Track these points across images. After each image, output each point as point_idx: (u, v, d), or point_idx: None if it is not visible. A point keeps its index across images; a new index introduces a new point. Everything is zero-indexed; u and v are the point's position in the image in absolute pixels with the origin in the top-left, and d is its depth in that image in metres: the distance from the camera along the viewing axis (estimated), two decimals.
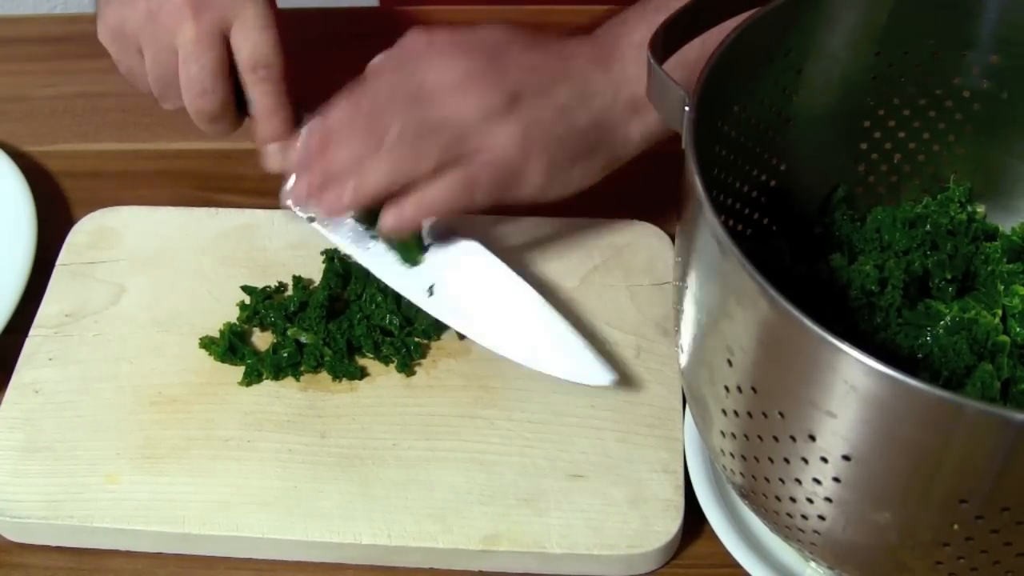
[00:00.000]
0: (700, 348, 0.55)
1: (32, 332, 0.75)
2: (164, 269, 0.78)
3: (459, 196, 0.68)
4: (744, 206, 0.64)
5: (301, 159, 0.71)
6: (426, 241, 0.73)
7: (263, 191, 0.79)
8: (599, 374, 0.70)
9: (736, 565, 0.64)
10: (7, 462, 0.69)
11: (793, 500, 0.53)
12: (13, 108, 0.92)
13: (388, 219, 0.69)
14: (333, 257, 0.76)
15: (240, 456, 0.68)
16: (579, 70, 0.70)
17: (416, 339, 0.73)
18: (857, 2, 0.61)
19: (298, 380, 0.72)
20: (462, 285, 0.72)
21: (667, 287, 0.76)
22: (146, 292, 0.77)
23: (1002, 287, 0.65)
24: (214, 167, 0.86)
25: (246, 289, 0.76)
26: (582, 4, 0.96)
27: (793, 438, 0.50)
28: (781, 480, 0.53)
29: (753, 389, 0.51)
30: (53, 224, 0.81)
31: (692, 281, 0.54)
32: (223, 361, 0.73)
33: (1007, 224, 0.68)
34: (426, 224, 0.72)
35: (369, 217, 0.72)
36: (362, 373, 0.72)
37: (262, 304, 0.75)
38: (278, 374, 0.72)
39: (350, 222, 0.74)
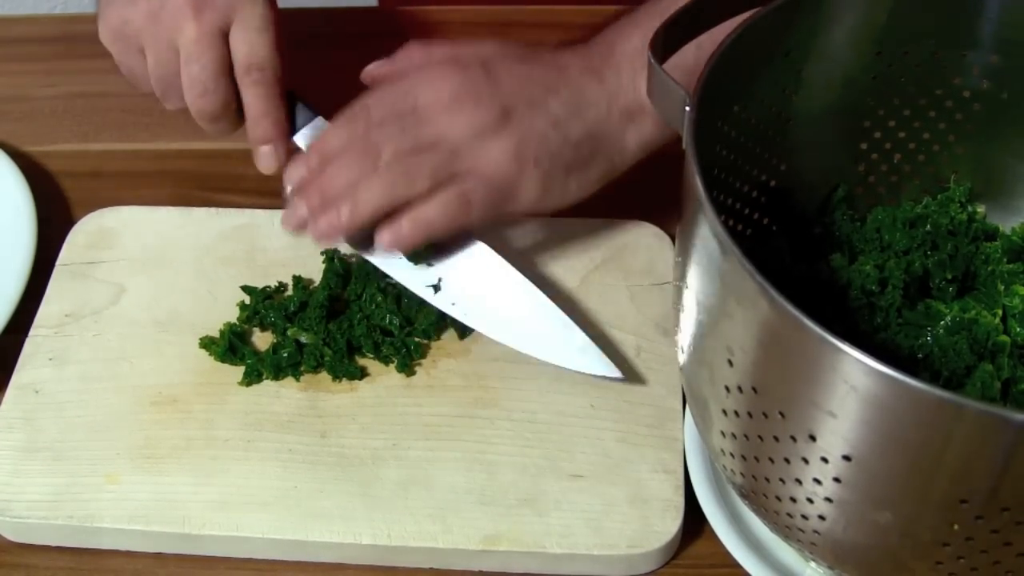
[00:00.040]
0: (700, 348, 0.55)
1: (32, 332, 0.75)
2: (164, 269, 0.78)
3: (455, 213, 0.69)
4: (744, 206, 0.64)
5: (298, 183, 0.71)
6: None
7: (263, 191, 0.79)
8: (606, 367, 0.70)
9: (736, 565, 0.64)
10: (7, 462, 0.69)
11: (793, 500, 0.53)
12: (13, 108, 0.92)
13: (385, 238, 0.69)
14: (333, 257, 0.76)
15: (240, 456, 0.68)
16: (572, 81, 0.70)
17: (416, 339, 0.73)
18: (857, 2, 0.61)
19: (298, 380, 0.72)
20: (467, 281, 0.73)
21: (667, 287, 0.76)
22: (146, 292, 0.77)
23: (1002, 287, 0.65)
24: (214, 167, 0.86)
25: (246, 289, 0.76)
26: (582, 4, 0.97)
27: (793, 438, 0.50)
28: (781, 480, 0.53)
29: (753, 389, 0.51)
30: (53, 224, 0.81)
31: (692, 281, 0.54)
32: (223, 361, 0.73)
33: (1007, 224, 0.68)
34: None
35: None
36: (362, 373, 0.72)
37: (262, 304, 0.75)
38: (278, 374, 0.72)
39: None
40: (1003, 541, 0.48)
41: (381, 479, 0.67)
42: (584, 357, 0.71)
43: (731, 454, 0.56)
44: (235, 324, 0.74)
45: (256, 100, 0.72)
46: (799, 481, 0.52)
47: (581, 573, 0.66)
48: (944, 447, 0.45)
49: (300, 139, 0.74)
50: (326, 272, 0.75)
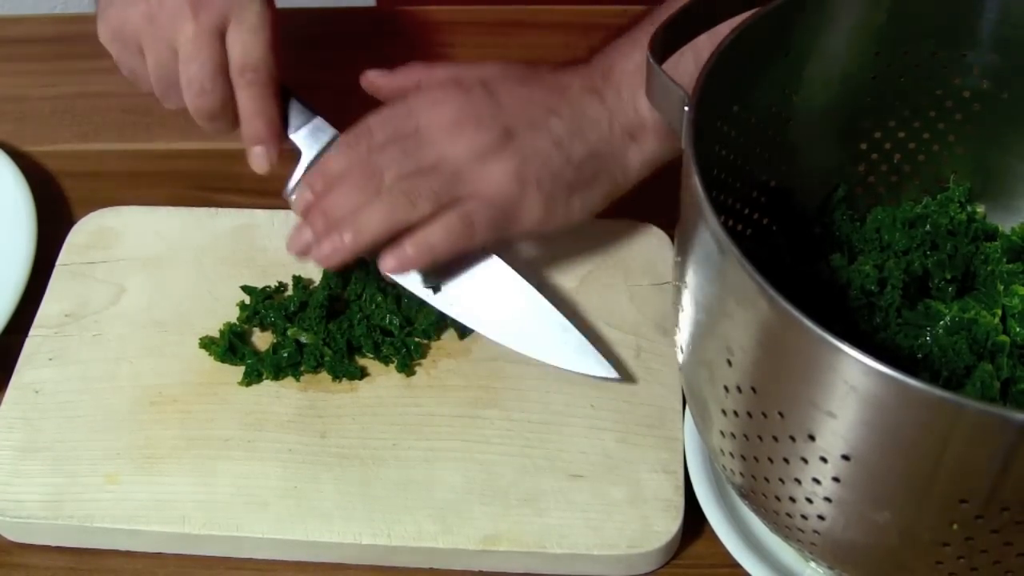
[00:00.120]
0: (700, 348, 0.55)
1: (32, 332, 0.75)
2: (164, 269, 0.78)
3: (458, 236, 0.68)
4: (744, 206, 0.64)
5: (304, 206, 0.71)
6: None
7: (263, 191, 0.79)
8: (602, 367, 0.70)
9: (736, 565, 0.64)
10: (7, 462, 0.69)
11: (793, 500, 0.53)
12: (13, 108, 0.92)
13: (388, 262, 0.69)
14: None
15: (240, 456, 0.68)
16: (573, 101, 0.71)
17: (416, 339, 0.73)
18: (857, 2, 0.61)
19: (298, 380, 0.72)
20: (466, 281, 0.73)
21: (667, 287, 0.76)
22: (146, 292, 0.77)
23: (1002, 287, 0.65)
24: (214, 167, 0.86)
25: (246, 289, 0.76)
26: (582, 4, 0.97)
27: (793, 438, 0.50)
28: (781, 480, 0.53)
29: (753, 389, 0.51)
30: (53, 224, 0.81)
31: (692, 281, 0.54)
32: (223, 361, 0.73)
33: (1007, 224, 0.68)
34: None
35: None
36: (362, 373, 0.72)
37: (262, 304, 0.75)
38: (278, 374, 0.72)
39: None
40: (1003, 541, 0.48)
41: (381, 479, 0.67)
42: (581, 357, 0.71)
43: (731, 454, 0.56)
44: (235, 324, 0.74)
45: (250, 100, 0.72)
46: (798, 481, 0.52)
47: (581, 573, 0.66)
48: (944, 447, 0.45)
49: (298, 138, 0.74)
50: (326, 272, 0.75)
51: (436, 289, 0.72)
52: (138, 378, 0.72)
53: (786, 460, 0.51)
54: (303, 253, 0.71)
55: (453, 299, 0.72)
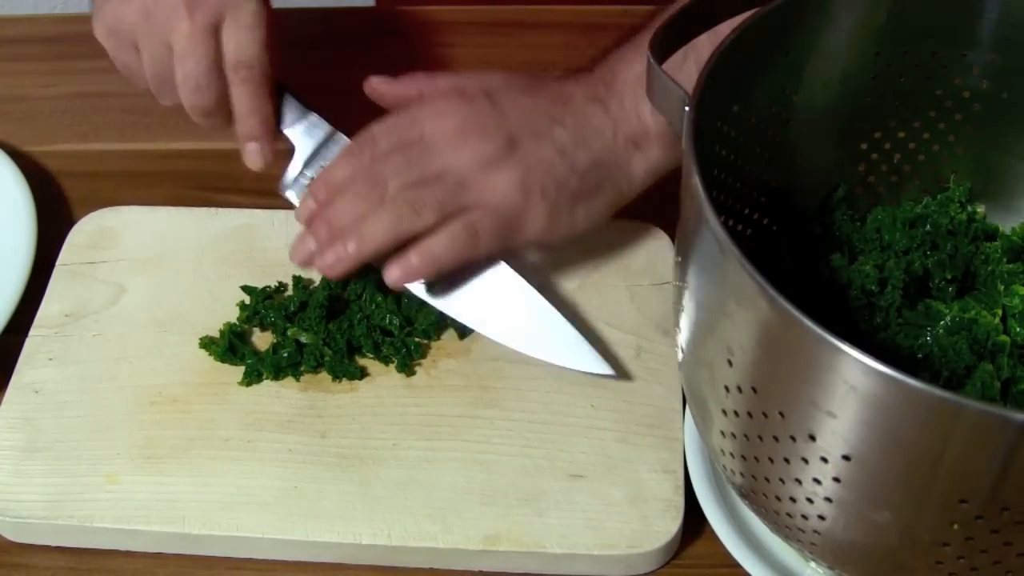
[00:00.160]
0: (700, 348, 0.55)
1: (32, 332, 0.75)
2: (164, 269, 0.78)
3: (463, 245, 0.68)
4: (744, 206, 0.64)
5: (308, 215, 0.71)
6: None
7: (263, 191, 0.79)
8: (599, 364, 0.70)
9: (736, 565, 0.64)
10: (7, 462, 0.69)
11: (793, 500, 0.53)
12: (13, 108, 0.92)
13: (393, 272, 0.69)
14: None
15: (240, 456, 0.68)
16: (577, 110, 0.71)
17: (416, 339, 0.73)
18: (857, 2, 0.61)
19: (298, 380, 0.72)
20: (463, 279, 0.73)
21: (667, 287, 0.76)
22: (146, 292, 0.77)
23: (1002, 287, 0.65)
24: (214, 167, 0.86)
25: (246, 289, 0.76)
26: (582, 4, 0.97)
27: (793, 438, 0.50)
28: (781, 480, 0.53)
29: (753, 389, 0.51)
30: (53, 224, 0.81)
31: (692, 281, 0.54)
32: (223, 361, 0.73)
33: (1007, 224, 0.68)
34: None
35: None
36: (362, 373, 0.72)
37: (262, 304, 0.75)
38: (278, 374, 0.72)
39: None
40: (1003, 541, 0.48)
41: (381, 479, 0.67)
42: (577, 354, 0.71)
43: (731, 454, 0.56)
44: (235, 324, 0.74)
45: (244, 97, 0.72)
46: (799, 481, 0.52)
47: (581, 573, 0.66)
48: (944, 447, 0.45)
49: (293, 134, 0.74)
50: None
51: (432, 287, 0.72)
52: (138, 378, 0.72)
53: (786, 460, 0.51)
54: (306, 263, 0.71)
55: (451, 297, 0.72)
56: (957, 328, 0.62)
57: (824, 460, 0.49)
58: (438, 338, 0.74)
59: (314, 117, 0.75)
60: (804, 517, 0.53)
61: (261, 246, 0.79)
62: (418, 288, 0.72)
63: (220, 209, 0.81)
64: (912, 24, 0.62)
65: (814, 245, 0.67)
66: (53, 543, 0.67)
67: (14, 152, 0.85)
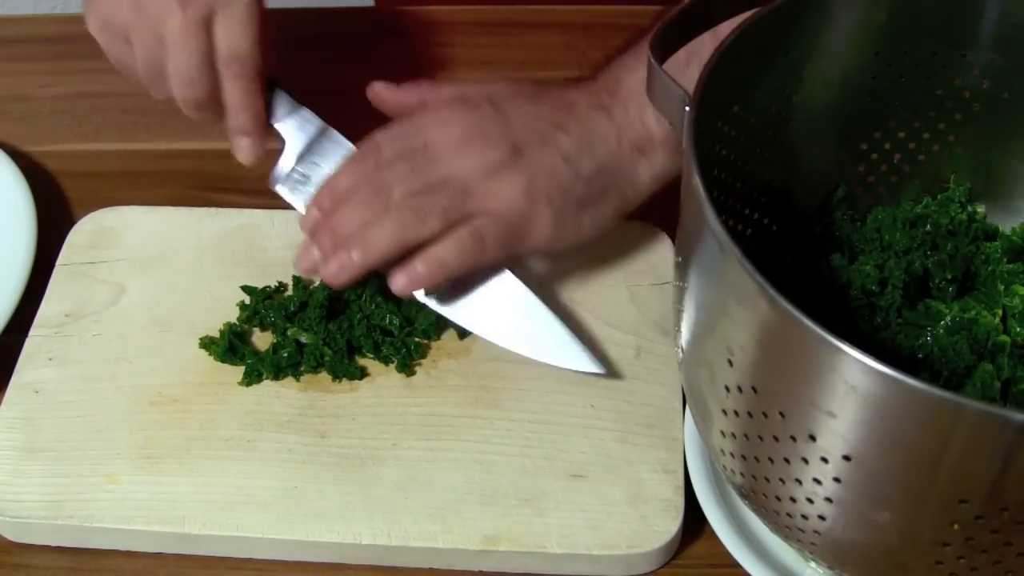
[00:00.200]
0: (700, 348, 0.55)
1: (32, 332, 0.75)
2: (164, 269, 0.78)
3: (469, 252, 0.68)
4: (744, 206, 0.64)
5: (312, 225, 0.71)
6: None
7: (263, 191, 0.79)
8: (587, 362, 0.70)
9: (736, 565, 0.64)
10: (7, 462, 0.69)
11: (793, 500, 0.53)
12: (13, 108, 0.92)
13: (400, 280, 0.69)
14: None
15: (240, 456, 0.68)
16: (581, 117, 0.71)
17: (416, 339, 0.73)
18: (857, 2, 0.61)
19: (298, 380, 0.72)
20: (456, 277, 0.72)
21: (667, 287, 0.76)
22: (146, 292, 0.77)
23: (1002, 287, 0.65)
24: (214, 167, 0.86)
25: (246, 289, 0.76)
26: (582, 4, 0.97)
27: (793, 438, 0.50)
28: (781, 480, 0.53)
29: (753, 389, 0.51)
30: (53, 224, 0.81)
31: (692, 281, 0.54)
32: (223, 361, 0.73)
33: (1007, 224, 0.68)
34: None
35: None
36: (362, 373, 0.72)
37: (262, 304, 0.75)
38: (278, 374, 0.72)
39: None
40: (1003, 541, 0.48)
41: (381, 479, 0.67)
42: (566, 352, 0.71)
43: (731, 454, 0.56)
44: (235, 324, 0.74)
45: (236, 92, 0.72)
46: (799, 481, 0.52)
47: (581, 573, 0.66)
48: (944, 447, 0.45)
49: (283, 128, 0.74)
50: None
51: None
52: (138, 378, 0.72)
53: (787, 460, 0.51)
54: (311, 272, 0.70)
55: (442, 294, 0.72)
56: (957, 328, 0.62)
57: (824, 460, 0.49)
58: (438, 338, 0.74)
59: (306, 112, 0.75)
60: (804, 517, 0.53)
61: (261, 246, 0.79)
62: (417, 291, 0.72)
63: (220, 209, 0.81)
64: (912, 24, 0.62)
65: (814, 245, 0.67)
66: (53, 543, 0.67)
67: (14, 152, 0.85)
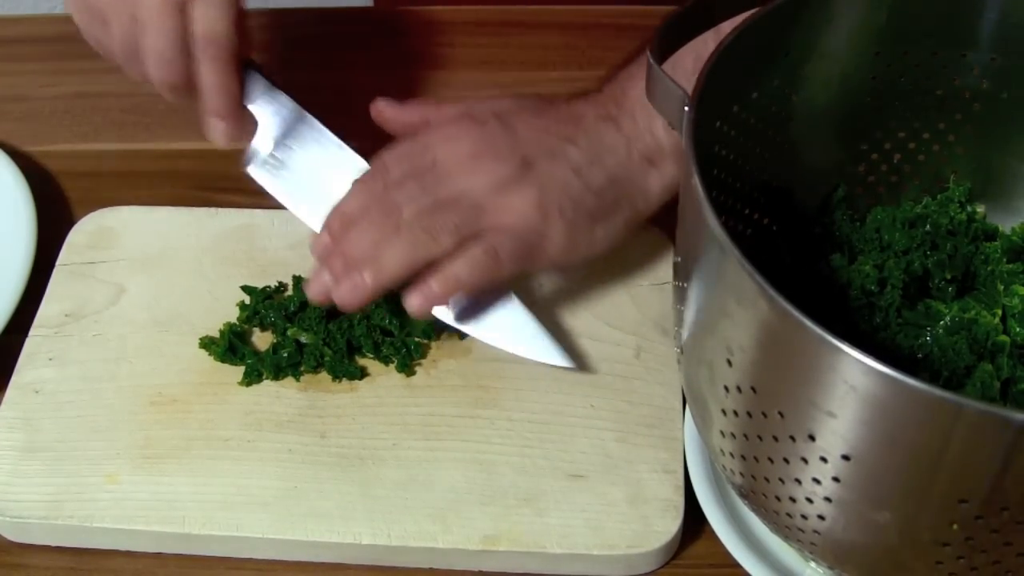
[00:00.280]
0: (700, 348, 0.55)
1: (32, 332, 0.75)
2: (164, 269, 0.78)
3: (484, 269, 0.67)
4: (744, 206, 0.64)
5: (322, 250, 0.70)
6: None
7: (263, 191, 0.79)
8: (557, 356, 0.71)
9: (736, 565, 0.64)
10: (7, 462, 0.69)
11: (793, 500, 0.53)
12: (13, 108, 0.92)
13: (415, 300, 0.68)
14: None
15: (240, 456, 0.68)
16: (590, 129, 0.70)
17: (416, 339, 0.73)
18: (857, 2, 0.61)
19: (298, 380, 0.72)
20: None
21: (667, 287, 0.76)
22: (146, 292, 0.77)
23: (1002, 287, 0.65)
24: (214, 167, 0.86)
25: (246, 289, 0.76)
26: (582, 4, 0.97)
27: (793, 438, 0.50)
28: (781, 480, 0.53)
29: (753, 389, 0.51)
30: (53, 224, 0.81)
31: (692, 281, 0.54)
32: (223, 361, 0.73)
33: (1007, 224, 0.68)
34: None
35: None
36: (362, 373, 0.72)
37: (262, 304, 0.75)
38: (278, 374, 0.72)
39: None
40: (1003, 541, 0.48)
41: (381, 479, 0.67)
42: (534, 345, 0.71)
43: (731, 454, 0.56)
44: (235, 324, 0.74)
45: (211, 74, 0.71)
46: (799, 481, 0.52)
47: (581, 573, 0.66)
48: (944, 447, 0.45)
49: (256, 109, 0.74)
50: None
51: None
52: (138, 378, 0.72)
53: (786, 460, 0.51)
54: (324, 298, 0.69)
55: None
56: (957, 328, 0.62)
57: (824, 460, 0.49)
58: (438, 338, 0.74)
59: (282, 96, 0.74)
60: (804, 517, 0.53)
61: (261, 246, 0.79)
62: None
63: (220, 209, 0.81)
64: (912, 24, 0.62)
65: (814, 245, 0.67)
66: (53, 543, 0.67)
67: (14, 152, 0.85)
